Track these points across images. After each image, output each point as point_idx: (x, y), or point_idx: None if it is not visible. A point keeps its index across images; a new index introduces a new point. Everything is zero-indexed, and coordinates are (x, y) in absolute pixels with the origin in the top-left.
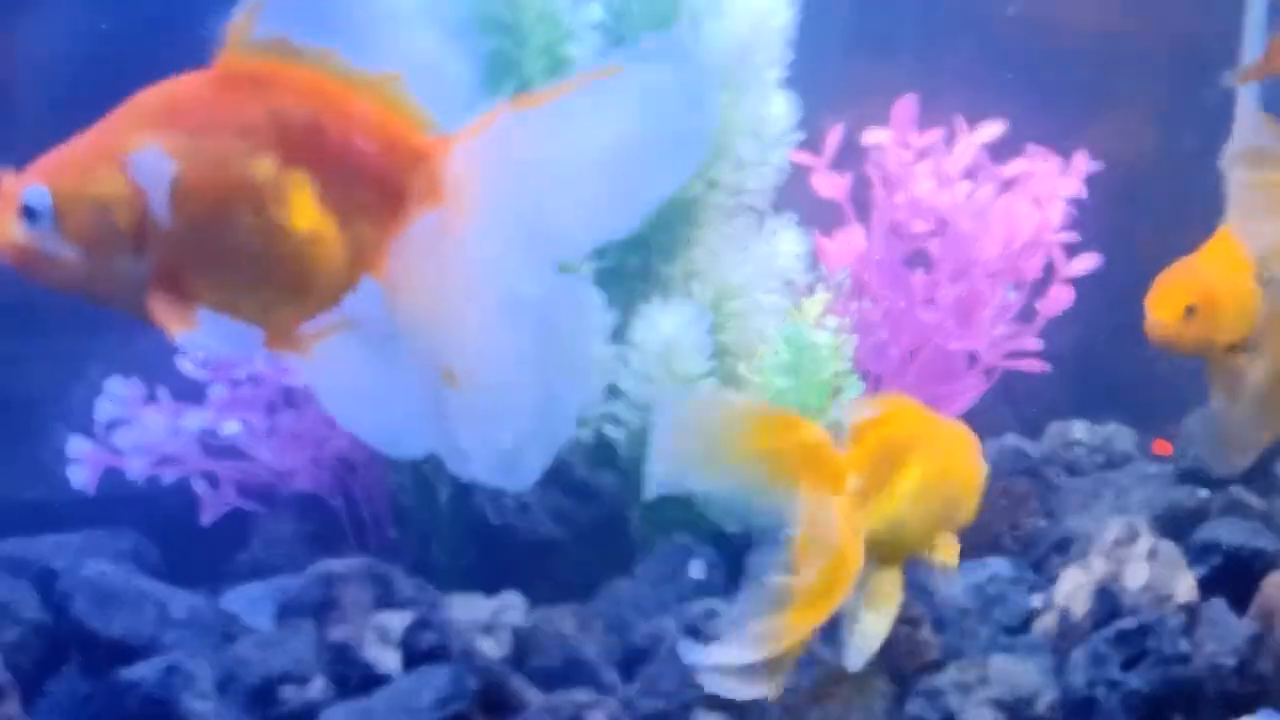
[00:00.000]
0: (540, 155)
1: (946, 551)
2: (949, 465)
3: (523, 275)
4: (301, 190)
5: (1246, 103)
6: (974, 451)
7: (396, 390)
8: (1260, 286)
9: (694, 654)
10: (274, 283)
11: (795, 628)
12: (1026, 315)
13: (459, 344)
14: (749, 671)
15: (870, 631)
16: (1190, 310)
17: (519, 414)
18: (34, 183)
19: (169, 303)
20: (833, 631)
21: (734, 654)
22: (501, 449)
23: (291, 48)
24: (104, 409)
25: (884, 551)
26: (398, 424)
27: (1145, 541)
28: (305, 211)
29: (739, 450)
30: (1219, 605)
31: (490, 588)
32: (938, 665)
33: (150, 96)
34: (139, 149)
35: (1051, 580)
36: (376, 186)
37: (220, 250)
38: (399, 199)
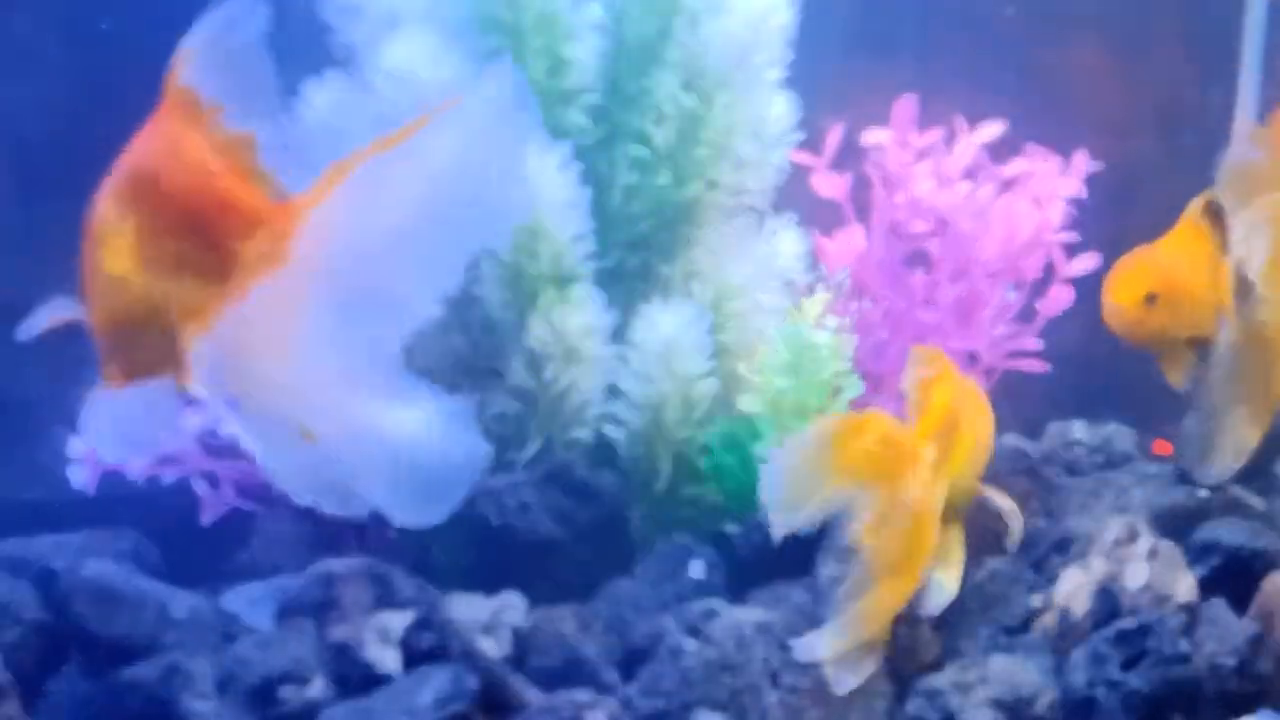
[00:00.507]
0: (392, 202)
1: (1000, 497)
2: (982, 417)
3: (376, 326)
4: (123, 236)
5: (1245, 115)
6: (986, 399)
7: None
8: (1237, 298)
9: (810, 649)
10: (97, 320)
11: (890, 601)
12: (1026, 315)
13: (310, 401)
14: (851, 657)
15: (948, 586)
16: (1151, 298)
17: (378, 468)
18: None
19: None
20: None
21: (841, 639)
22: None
23: (194, 99)
24: None
25: (949, 510)
26: None
27: (1145, 541)
28: (119, 258)
29: (832, 468)
30: (1219, 605)
31: (490, 588)
32: (937, 665)
33: None
34: None
35: (1051, 580)
36: (205, 246)
37: (82, 281)
38: (233, 261)
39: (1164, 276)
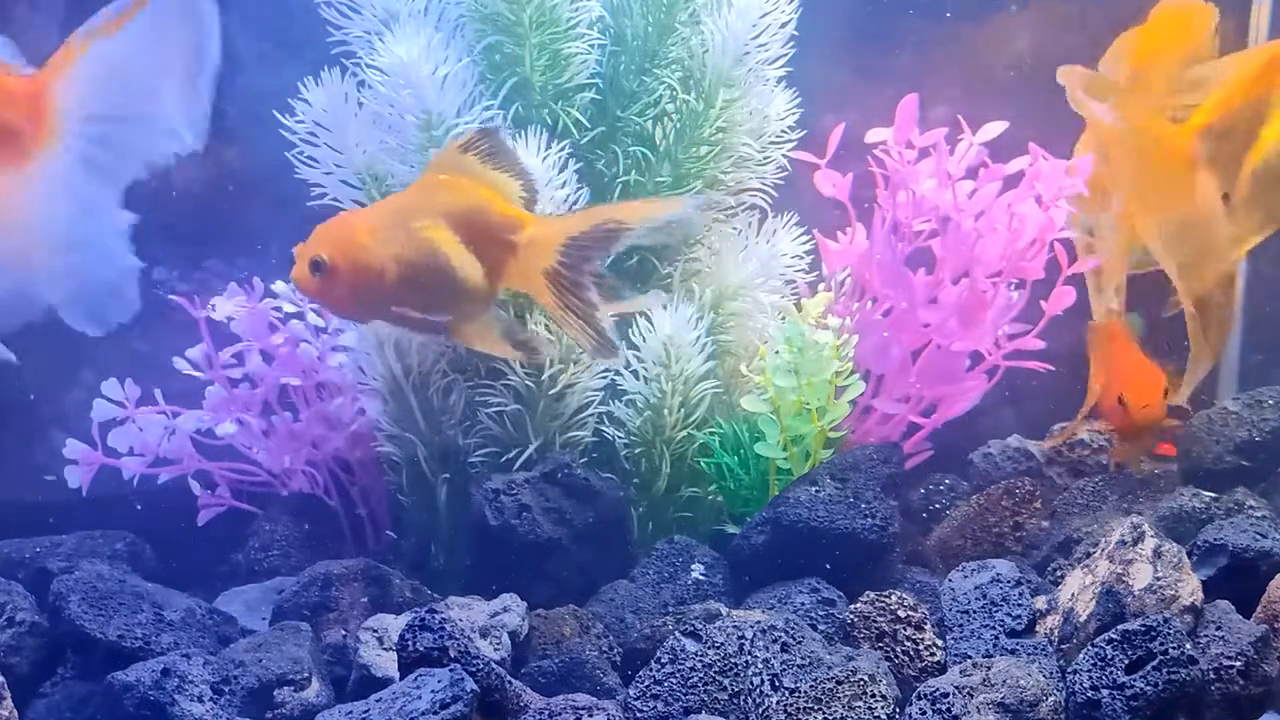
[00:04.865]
0: (127, 76)
1: None
2: None
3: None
4: None
5: None
6: None
7: None
8: None
9: None
10: None
11: None
12: (1029, 315)
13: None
14: None
15: None
16: (315, 265)
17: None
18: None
19: None
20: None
21: None
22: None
23: None
24: (100, 410)
25: None
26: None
27: (1150, 543)
28: None
29: None
30: (1224, 607)
31: (489, 589)
32: (940, 668)
33: None
34: None
35: (1055, 582)
36: None
37: None
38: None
39: (335, 244)
